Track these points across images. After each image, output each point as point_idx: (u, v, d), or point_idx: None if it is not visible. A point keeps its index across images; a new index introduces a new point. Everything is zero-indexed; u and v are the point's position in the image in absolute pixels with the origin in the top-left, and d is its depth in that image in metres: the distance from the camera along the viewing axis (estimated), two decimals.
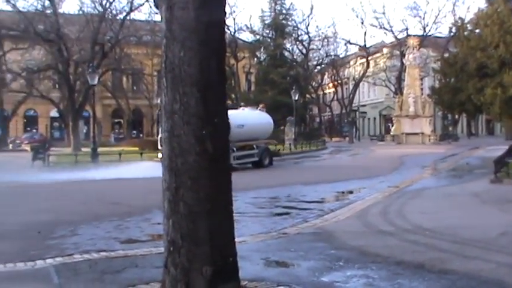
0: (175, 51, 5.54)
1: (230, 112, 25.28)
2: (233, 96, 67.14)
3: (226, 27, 6.30)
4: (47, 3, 45.29)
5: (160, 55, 5.93)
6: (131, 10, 46.83)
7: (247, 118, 29.62)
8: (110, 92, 61.79)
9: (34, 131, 68.43)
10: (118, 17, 47.40)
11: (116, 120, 72.10)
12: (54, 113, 62.92)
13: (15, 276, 7.39)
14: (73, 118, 46.90)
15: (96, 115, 44.66)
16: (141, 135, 69.48)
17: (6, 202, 16.50)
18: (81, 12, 48.38)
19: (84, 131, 63.11)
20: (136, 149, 42.14)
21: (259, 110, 33.47)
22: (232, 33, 67.63)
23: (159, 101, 50.52)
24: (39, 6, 45.44)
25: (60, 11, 47.57)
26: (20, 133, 66.24)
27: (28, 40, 47.88)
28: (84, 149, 41.53)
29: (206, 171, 5.55)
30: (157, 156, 26.97)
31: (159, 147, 27.31)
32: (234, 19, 68.86)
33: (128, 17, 47.23)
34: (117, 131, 71.00)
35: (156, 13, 43.59)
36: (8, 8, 47.17)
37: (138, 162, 31.22)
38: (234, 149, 27.21)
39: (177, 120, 5.56)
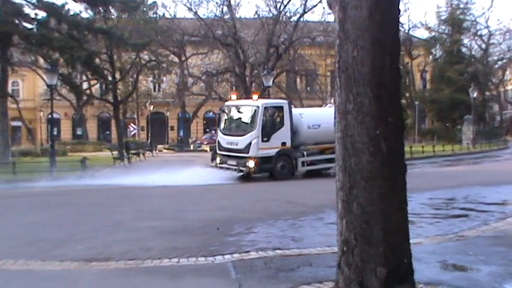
0: (349, 50, 5.53)
1: (301, 111, 23.21)
2: (407, 95, 65.64)
3: (400, 24, 6.14)
4: (225, 9, 47.18)
5: (334, 55, 5.94)
6: (304, 12, 47.42)
7: (325, 117, 25.36)
8: (284, 93, 62.78)
9: (213, 132, 71.42)
10: (292, 19, 48.17)
11: None
12: None
13: (197, 270, 7.78)
14: None
15: None
16: None
17: (189, 200, 17.43)
18: (256, 16, 49.80)
19: None
20: None
21: None
22: (407, 31, 66.14)
23: (332, 101, 50.49)
24: (217, 13, 47.49)
25: (237, 16, 49.25)
26: (200, 134, 69.50)
27: (207, 45, 50.16)
28: None
29: (380, 172, 5.49)
30: (215, 162, 25.36)
31: (217, 150, 25.37)
32: (408, 16, 67.36)
33: (301, 19, 47.85)
34: None
35: (329, 14, 43.83)
36: (190, 15, 49.91)
37: None
38: (305, 153, 24.59)
39: (351, 120, 5.54)
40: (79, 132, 67.03)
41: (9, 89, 48.59)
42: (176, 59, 54.81)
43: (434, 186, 18.97)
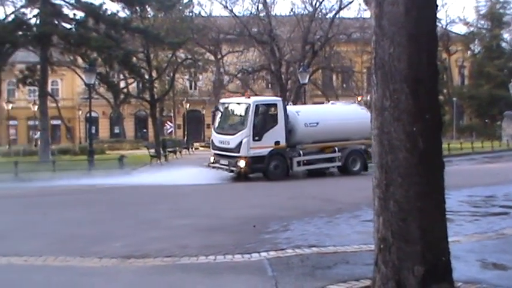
0: (385, 47, 5.49)
1: (298, 108, 23.44)
2: (445, 91, 64.79)
3: (437, 20, 6.07)
4: (260, 7, 47.15)
5: (370, 52, 5.91)
6: (340, 8, 47.19)
7: (324, 114, 24.63)
8: (320, 90, 62.63)
9: None
10: (328, 16, 47.95)
11: None
12: None
13: (233, 267, 7.82)
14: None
15: None
16: None
17: (223, 198, 17.54)
18: (292, 13, 49.69)
19: None
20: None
21: (357, 104, 27.75)
22: (444, 26, 65.26)
23: (368, 97, 49.82)
24: (253, 10, 47.50)
25: (273, 13, 49.18)
26: None
27: (243, 43, 50.22)
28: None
29: (417, 169, 5.44)
30: (210, 162, 24.14)
31: (211, 149, 24.49)
32: (446, 11, 66.44)
33: (337, 16, 47.61)
34: None
35: (366, 10, 43.50)
36: (226, 13, 50.07)
37: None
38: (301, 152, 23.29)
39: (387, 116, 5.50)
40: (117, 130, 67.80)
41: (49, 88, 49.48)
42: (212, 57, 54.97)
43: (473, 184, 18.70)
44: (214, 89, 58.47)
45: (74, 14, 34.69)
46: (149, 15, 41.80)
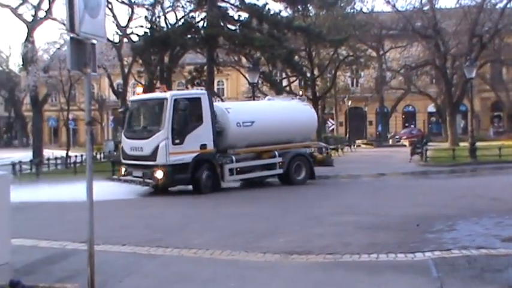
0: None
1: (227, 105, 19.76)
2: None
3: None
4: (424, 0, 45.97)
5: None
6: None
7: (260, 112, 20.92)
8: (489, 85, 59.84)
9: (412, 126, 69.96)
10: (497, 6, 45.64)
11: (495, 114, 69.48)
12: (431, 108, 63.47)
13: (396, 266, 7.72)
14: (450, 112, 46.77)
15: (474, 109, 43.64)
16: None
17: (385, 196, 17.35)
18: (458, 5, 47.88)
19: (461, 125, 62.16)
20: None
21: (298, 99, 23.83)
22: None
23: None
24: (416, 4, 46.39)
25: (437, 6, 47.77)
26: (399, 128, 68.37)
27: (406, 38, 49.27)
28: (461, 144, 41.11)
29: None
30: (120, 175, 19.80)
31: (121, 159, 19.87)
32: None
33: (508, 5, 45.17)
34: (496, 124, 68.44)
35: None
36: (388, 9, 49.38)
37: None
38: (234, 158, 19.29)
39: None
40: None
41: (215, 88, 51.54)
42: (374, 53, 54.45)
43: None
44: (377, 85, 57.93)
45: (239, 16, 35.90)
46: (311, 14, 42.23)
